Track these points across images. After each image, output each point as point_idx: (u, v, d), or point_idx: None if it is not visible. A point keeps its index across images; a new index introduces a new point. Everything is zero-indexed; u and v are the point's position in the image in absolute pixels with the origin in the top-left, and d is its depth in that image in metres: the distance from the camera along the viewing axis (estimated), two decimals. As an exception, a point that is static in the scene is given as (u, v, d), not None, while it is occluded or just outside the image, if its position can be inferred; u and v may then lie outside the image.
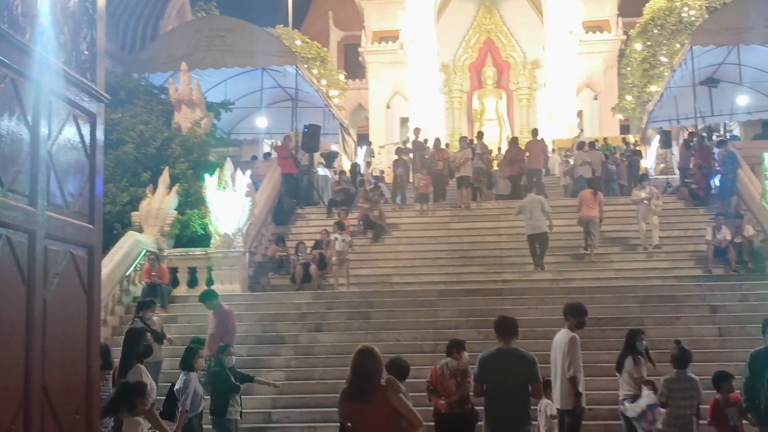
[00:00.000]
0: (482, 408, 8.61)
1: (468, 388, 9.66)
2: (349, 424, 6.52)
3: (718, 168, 22.36)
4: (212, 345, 12.61)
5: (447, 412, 9.99)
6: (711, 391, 10.78)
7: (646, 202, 19.71)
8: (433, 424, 9.98)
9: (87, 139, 5.71)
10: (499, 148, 34.99)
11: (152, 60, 25.00)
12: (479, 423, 9.14)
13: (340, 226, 19.33)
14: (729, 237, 19.02)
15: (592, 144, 26.23)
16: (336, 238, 19.04)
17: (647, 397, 10.33)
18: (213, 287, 18.55)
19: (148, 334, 9.38)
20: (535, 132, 25.50)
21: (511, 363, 8.27)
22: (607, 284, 18.02)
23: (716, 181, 22.42)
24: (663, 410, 9.98)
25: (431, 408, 10.18)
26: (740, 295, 16.75)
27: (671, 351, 10.44)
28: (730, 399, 9.78)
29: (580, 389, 9.48)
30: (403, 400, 6.46)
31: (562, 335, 9.68)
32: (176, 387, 10.82)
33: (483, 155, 26.06)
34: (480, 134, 28.64)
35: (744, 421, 9.89)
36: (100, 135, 5.85)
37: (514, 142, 25.96)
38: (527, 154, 24.51)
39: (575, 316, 9.69)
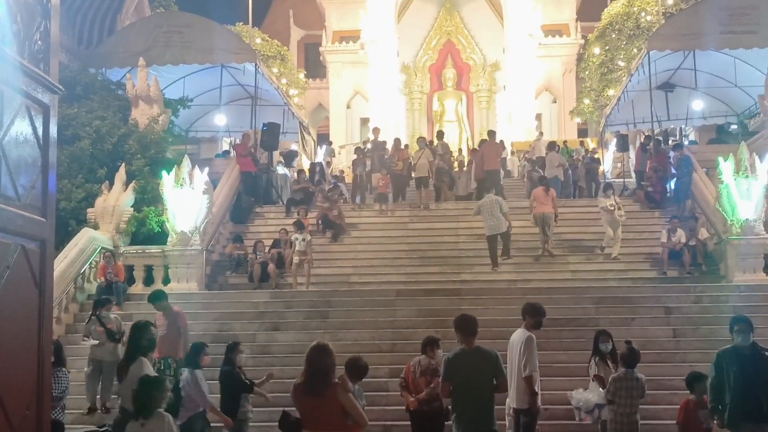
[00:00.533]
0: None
1: (437, 388, 9.69)
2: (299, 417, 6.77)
3: (674, 171, 22.64)
4: (163, 347, 12.24)
5: (416, 409, 10.19)
6: (668, 392, 10.93)
7: (611, 208, 19.82)
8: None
9: (40, 130, 5.60)
10: (460, 150, 35.15)
11: (109, 55, 24.67)
12: (448, 422, 9.15)
13: (300, 226, 19.24)
14: (684, 240, 19.27)
15: (551, 145, 26.42)
16: (296, 238, 18.96)
17: (597, 394, 10.54)
18: (170, 285, 18.44)
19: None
20: (491, 134, 25.52)
21: (476, 361, 8.35)
22: (563, 285, 18.15)
23: (672, 185, 22.71)
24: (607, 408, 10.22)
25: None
26: (694, 297, 16.96)
27: (621, 351, 10.60)
28: (704, 401, 9.59)
29: (536, 389, 9.53)
30: (351, 398, 6.63)
31: (519, 335, 9.72)
32: (181, 384, 10.70)
33: (444, 155, 26.15)
34: (440, 134, 28.65)
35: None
36: (53, 127, 5.74)
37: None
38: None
39: (533, 316, 9.73)
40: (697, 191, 21.46)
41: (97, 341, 14.03)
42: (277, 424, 7.52)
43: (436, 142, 27.24)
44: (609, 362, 11.02)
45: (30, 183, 5.46)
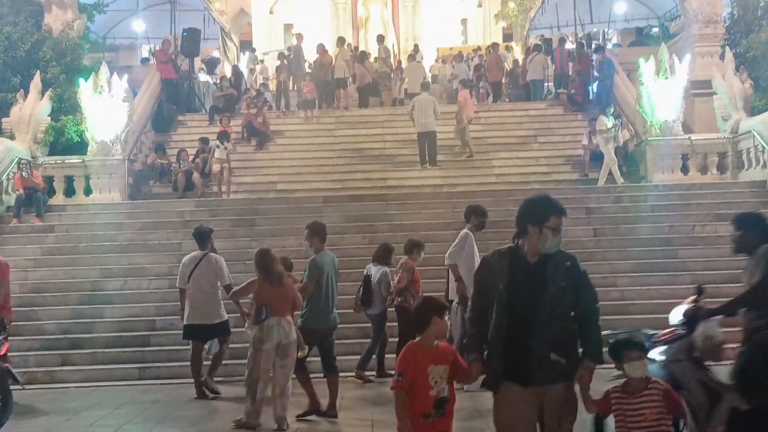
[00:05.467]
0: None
1: (400, 282, 11.53)
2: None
3: (596, 74, 22.85)
4: None
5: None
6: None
7: (605, 135, 18.96)
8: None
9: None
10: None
11: (18, -43, 23.52)
12: None
13: (224, 136, 19.10)
14: (605, 142, 19.58)
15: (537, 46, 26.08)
16: (217, 146, 18.82)
17: None
18: (91, 196, 18.22)
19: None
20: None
21: (332, 261, 9.72)
22: (488, 188, 18.35)
23: (594, 88, 22.94)
24: None
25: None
26: (614, 197, 17.40)
27: None
28: None
29: (463, 276, 10.54)
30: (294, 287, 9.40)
31: (461, 233, 10.78)
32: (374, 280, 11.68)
33: (387, 59, 26.15)
34: (381, 38, 28.64)
35: None
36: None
37: (494, 47, 26.79)
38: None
39: (477, 216, 10.62)
40: (619, 93, 21.73)
41: None
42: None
43: (379, 46, 27.22)
44: None
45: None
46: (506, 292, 5.06)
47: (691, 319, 6.69)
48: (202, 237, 11.33)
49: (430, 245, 12.71)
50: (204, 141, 20.07)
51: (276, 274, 9.08)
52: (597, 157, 19.50)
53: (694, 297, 6.92)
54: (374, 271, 11.89)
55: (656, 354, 6.68)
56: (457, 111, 20.62)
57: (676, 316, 6.96)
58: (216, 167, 18.73)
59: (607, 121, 18.98)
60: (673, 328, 6.94)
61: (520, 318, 5.04)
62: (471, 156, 20.16)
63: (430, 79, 25.87)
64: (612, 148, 18.79)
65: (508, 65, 27.38)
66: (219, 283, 11.03)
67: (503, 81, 25.59)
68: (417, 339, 5.36)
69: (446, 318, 5.42)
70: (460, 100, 20.92)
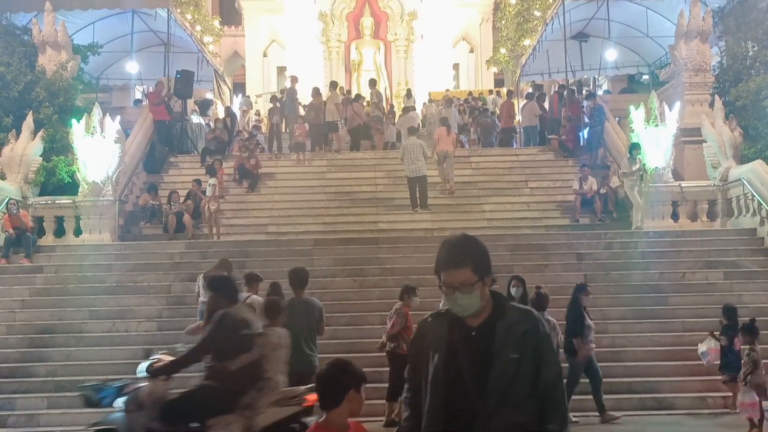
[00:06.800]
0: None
1: (393, 328, 11.48)
2: None
3: (587, 120, 23.03)
4: None
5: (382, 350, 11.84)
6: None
7: (631, 178, 18.52)
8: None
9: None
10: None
11: (14, -1, 23.68)
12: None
13: (210, 171, 19.21)
14: (595, 187, 19.71)
15: (530, 95, 26.53)
16: (209, 184, 18.93)
17: None
18: (82, 237, 18.16)
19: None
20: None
21: (301, 308, 9.78)
22: (479, 233, 18.22)
23: (585, 134, 23.10)
24: None
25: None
26: (605, 243, 17.42)
27: (531, 296, 11.26)
28: None
29: None
30: None
31: None
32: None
33: (379, 103, 26.38)
34: (373, 82, 29.01)
35: None
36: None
37: (508, 95, 27.36)
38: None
39: None
40: (609, 140, 21.89)
41: None
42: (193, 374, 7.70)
43: (371, 90, 27.48)
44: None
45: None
46: (442, 367, 3.75)
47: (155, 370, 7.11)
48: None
49: (422, 289, 12.68)
50: (198, 183, 20.07)
51: None
52: (587, 203, 19.58)
53: None
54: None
55: (120, 403, 7.23)
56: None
57: (141, 369, 7.39)
58: (213, 206, 18.70)
59: (632, 164, 18.42)
60: (137, 379, 7.53)
61: (459, 404, 3.73)
62: (452, 192, 20.31)
63: (420, 122, 26.10)
64: (639, 193, 18.34)
65: (497, 110, 27.65)
66: None
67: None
68: (323, 418, 3.98)
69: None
70: (435, 137, 21.29)
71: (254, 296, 11.27)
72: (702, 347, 12.32)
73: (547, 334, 3.94)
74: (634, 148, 18.53)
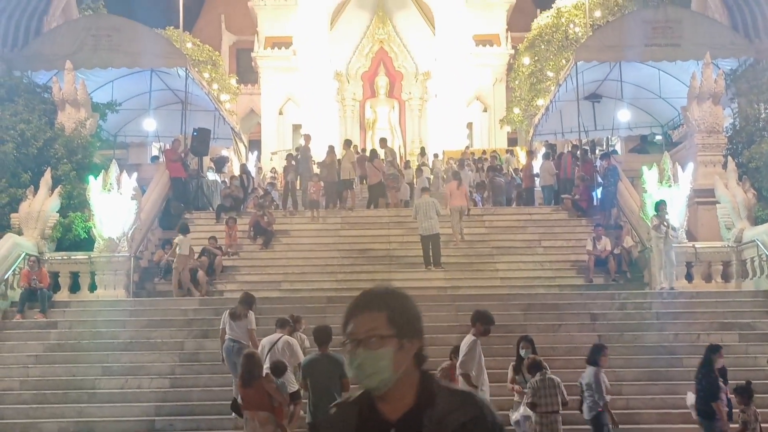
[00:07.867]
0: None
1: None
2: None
3: (600, 181, 23.10)
4: None
5: None
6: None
7: (660, 232, 18.05)
8: None
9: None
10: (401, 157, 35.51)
11: (35, 57, 24.09)
12: None
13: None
14: (609, 247, 19.68)
15: (546, 154, 26.84)
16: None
17: (522, 408, 11.07)
18: (96, 292, 18.25)
19: None
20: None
21: (325, 365, 9.78)
22: (492, 292, 18.34)
23: (598, 194, 23.15)
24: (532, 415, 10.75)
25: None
26: (619, 304, 17.34)
27: (526, 362, 11.30)
28: None
29: (483, 388, 10.42)
30: (274, 387, 10.37)
31: (465, 339, 10.66)
32: (585, 381, 11.14)
33: (393, 161, 26.64)
34: (384, 141, 29.25)
35: None
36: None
37: (529, 155, 27.89)
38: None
39: (483, 323, 10.54)
40: (623, 200, 21.92)
41: None
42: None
43: (382, 149, 27.87)
44: (524, 370, 11.33)
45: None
46: None
47: None
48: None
49: (434, 348, 12.62)
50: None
51: (245, 375, 10.21)
52: (601, 263, 19.54)
53: None
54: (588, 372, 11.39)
55: None
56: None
57: None
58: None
59: (662, 217, 17.94)
60: None
61: None
62: (457, 243, 20.45)
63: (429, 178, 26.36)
64: (670, 249, 17.87)
65: (511, 170, 27.85)
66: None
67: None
68: None
69: None
70: (446, 192, 21.52)
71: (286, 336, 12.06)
72: (690, 399, 12.05)
73: (497, 424, 2.79)
74: (661, 204, 18.28)
